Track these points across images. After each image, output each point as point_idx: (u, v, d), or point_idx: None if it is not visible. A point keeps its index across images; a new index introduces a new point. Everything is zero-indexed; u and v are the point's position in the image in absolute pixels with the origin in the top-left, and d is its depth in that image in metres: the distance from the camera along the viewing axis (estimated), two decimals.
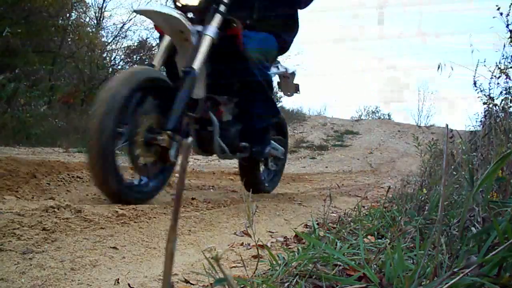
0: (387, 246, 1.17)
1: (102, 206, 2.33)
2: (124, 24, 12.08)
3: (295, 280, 1.13)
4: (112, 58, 12.45)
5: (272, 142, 3.48)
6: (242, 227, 2.15)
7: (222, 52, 2.54)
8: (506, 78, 2.11)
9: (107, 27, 12.03)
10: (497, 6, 2.23)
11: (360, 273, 1.07)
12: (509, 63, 2.18)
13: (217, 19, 2.52)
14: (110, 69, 12.12)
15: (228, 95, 2.93)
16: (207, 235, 1.99)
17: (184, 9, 2.52)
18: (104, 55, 12.22)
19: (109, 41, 12.17)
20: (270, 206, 2.92)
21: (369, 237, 1.67)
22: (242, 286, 1.10)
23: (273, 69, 3.32)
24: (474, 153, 1.74)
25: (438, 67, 2.22)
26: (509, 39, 2.19)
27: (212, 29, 2.50)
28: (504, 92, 2.13)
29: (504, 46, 2.14)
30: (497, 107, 1.99)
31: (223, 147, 2.88)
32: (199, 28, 2.51)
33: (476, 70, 2.05)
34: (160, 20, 2.50)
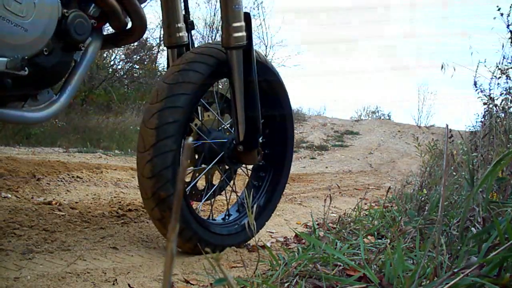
0: (387, 246, 1.17)
1: (102, 206, 2.33)
2: None
3: (295, 280, 1.13)
4: (112, 58, 12.44)
5: None
6: None
7: None
8: (507, 78, 2.11)
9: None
10: (497, 6, 2.22)
11: (360, 273, 1.07)
12: (510, 63, 2.18)
13: None
14: (110, 69, 12.11)
15: None
16: None
17: None
18: (104, 55, 12.20)
19: None
20: None
21: (369, 237, 1.67)
22: (242, 286, 1.10)
23: None
24: (474, 153, 1.74)
25: (442, 67, 2.21)
26: (510, 39, 2.18)
27: None
28: (505, 92, 2.13)
29: (503, 46, 2.14)
30: (497, 107, 1.99)
31: None
32: None
33: (476, 70, 2.05)
34: None
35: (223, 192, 1.96)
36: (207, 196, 1.84)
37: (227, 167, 1.89)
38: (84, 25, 1.35)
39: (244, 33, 1.64)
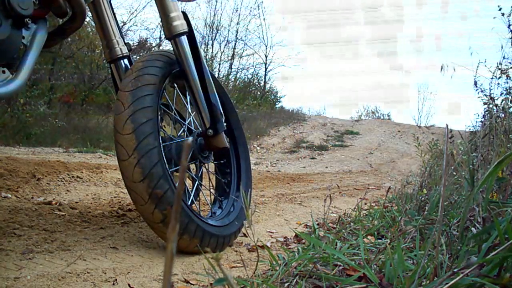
0: (387, 246, 1.17)
1: (102, 206, 2.33)
2: (124, 24, 12.08)
3: (295, 280, 1.13)
4: None
5: None
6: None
7: None
8: (507, 78, 2.11)
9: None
10: (499, 6, 2.23)
11: (360, 273, 1.07)
12: (510, 63, 2.18)
13: None
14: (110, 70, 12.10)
15: None
16: None
17: None
18: None
19: None
20: (270, 206, 2.92)
21: (369, 237, 1.67)
22: (242, 286, 1.10)
23: None
24: (474, 153, 1.73)
25: (441, 68, 2.22)
26: (510, 39, 2.18)
27: None
28: (505, 92, 2.13)
29: (502, 47, 2.14)
30: (497, 107, 1.99)
31: None
32: None
33: (477, 70, 2.05)
34: None
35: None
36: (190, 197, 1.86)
37: (198, 166, 1.94)
38: (27, 1, 1.40)
39: (183, 21, 1.76)
